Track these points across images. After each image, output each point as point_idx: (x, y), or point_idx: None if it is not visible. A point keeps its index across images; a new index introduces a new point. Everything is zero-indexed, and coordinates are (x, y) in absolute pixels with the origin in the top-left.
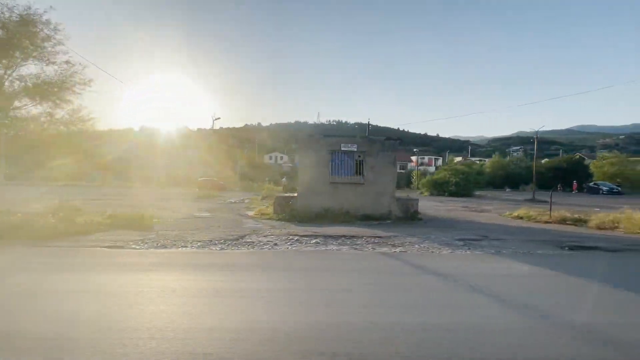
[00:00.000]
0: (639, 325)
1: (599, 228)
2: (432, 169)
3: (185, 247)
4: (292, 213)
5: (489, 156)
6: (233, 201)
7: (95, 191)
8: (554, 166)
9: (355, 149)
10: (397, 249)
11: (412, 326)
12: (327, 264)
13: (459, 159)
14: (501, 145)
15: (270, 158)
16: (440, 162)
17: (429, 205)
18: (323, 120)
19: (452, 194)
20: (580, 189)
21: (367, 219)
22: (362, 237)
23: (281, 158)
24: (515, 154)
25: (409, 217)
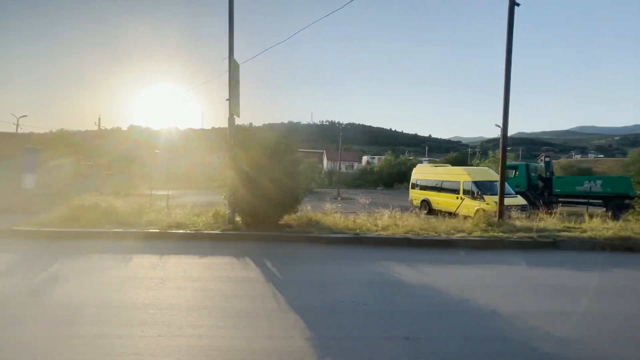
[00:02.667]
0: None
1: None
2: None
3: None
4: None
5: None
6: None
7: None
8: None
9: None
10: None
11: None
12: None
13: (410, 157)
14: (493, 146)
15: (219, 157)
16: None
17: None
18: (316, 120)
19: None
20: None
21: None
22: None
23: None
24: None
25: None
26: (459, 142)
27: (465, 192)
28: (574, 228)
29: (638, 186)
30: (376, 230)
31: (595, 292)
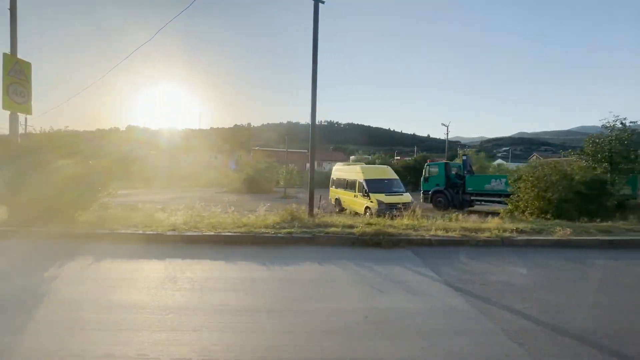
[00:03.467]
0: None
1: None
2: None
3: None
4: None
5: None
6: None
7: None
8: (407, 165)
9: None
10: None
11: None
12: None
13: (397, 157)
14: (492, 146)
15: (209, 157)
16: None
17: None
18: (315, 120)
19: (237, 190)
20: None
21: None
22: None
23: (216, 157)
24: (499, 154)
25: None
26: (459, 142)
27: (360, 190)
28: (370, 225)
29: (514, 185)
30: (160, 227)
31: (202, 286)
